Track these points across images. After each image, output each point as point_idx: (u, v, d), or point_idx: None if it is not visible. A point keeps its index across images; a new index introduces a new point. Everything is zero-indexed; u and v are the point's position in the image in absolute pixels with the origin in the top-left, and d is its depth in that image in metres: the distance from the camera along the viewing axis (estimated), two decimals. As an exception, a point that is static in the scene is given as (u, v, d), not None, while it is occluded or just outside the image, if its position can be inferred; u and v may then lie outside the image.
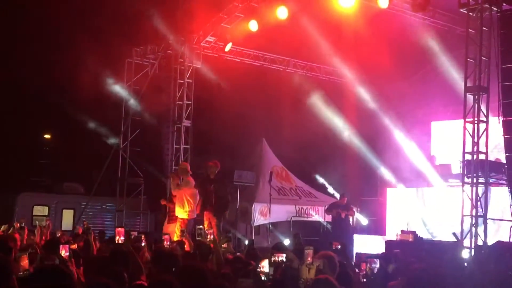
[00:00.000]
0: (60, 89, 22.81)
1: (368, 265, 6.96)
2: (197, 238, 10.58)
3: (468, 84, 14.81)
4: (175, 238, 12.84)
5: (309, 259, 6.62)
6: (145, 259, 8.71)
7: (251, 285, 5.83)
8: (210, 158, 16.24)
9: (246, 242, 15.66)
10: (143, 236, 10.11)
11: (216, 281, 6.05)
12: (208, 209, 15.07)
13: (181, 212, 15.04)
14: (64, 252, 6.25)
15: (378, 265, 6.89)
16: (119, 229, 8.60)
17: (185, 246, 11.23)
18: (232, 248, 13.45)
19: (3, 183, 22.02)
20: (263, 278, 6.18)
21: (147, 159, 20.46)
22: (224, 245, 11.60)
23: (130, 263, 6.92)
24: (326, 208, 20.52)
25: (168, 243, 10.51)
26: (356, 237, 19.04)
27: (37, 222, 14.89)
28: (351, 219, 20.15)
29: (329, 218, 21.17)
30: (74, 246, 7.10)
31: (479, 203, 14.38)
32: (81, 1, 20.46)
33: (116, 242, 8.39)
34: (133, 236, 9.55)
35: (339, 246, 10.73)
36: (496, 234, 15.17)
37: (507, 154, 14.37)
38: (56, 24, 20.74)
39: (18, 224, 11.28)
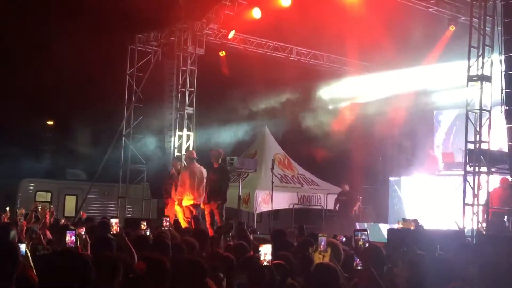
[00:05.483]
0: (62, 76, 22.78)
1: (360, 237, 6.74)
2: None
3: (471, 73, 14.79)
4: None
5: (322, 246, 6.67)
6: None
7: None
8: (212, 145, 16.21)
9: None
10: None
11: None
12: (212, 197, 15.01)
13: (187, 200, 15.12)
14: (69, 238, 6.25)
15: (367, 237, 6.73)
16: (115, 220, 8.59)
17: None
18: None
19: (6, 169, 22.05)
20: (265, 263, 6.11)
21: (150, 146, 20.49)
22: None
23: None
24: (334, 203, 20.70)
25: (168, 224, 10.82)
26: (359, 226, 19.10)
27: (39, 208, 14.78)
28: (354, 208, 20.29)
29: (331, 205, 21.21)
30: (82, 230, 7.06)
31: (480, 192, 14.41)
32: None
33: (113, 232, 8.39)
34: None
35: (344, 239, 10.71)
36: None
37: (509, 143, 14.36)
38: (58, 10, 20.73)
39: (23, 211, 11.25)
